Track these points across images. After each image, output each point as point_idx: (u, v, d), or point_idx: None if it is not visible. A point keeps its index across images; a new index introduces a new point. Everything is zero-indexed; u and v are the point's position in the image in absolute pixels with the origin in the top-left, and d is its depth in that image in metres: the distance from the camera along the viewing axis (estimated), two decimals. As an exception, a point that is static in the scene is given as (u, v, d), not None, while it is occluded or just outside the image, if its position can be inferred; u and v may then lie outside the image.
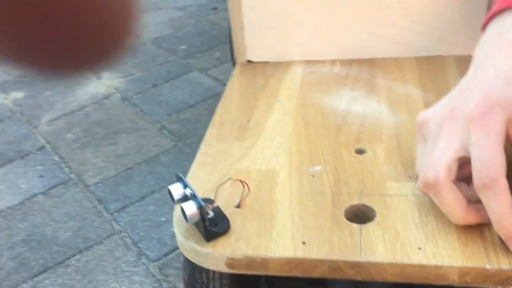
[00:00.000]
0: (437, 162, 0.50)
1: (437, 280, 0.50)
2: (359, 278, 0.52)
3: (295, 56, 0.92)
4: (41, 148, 1.29)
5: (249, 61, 0.93)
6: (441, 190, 0.50)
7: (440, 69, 0.83)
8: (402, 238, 0.52)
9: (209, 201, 0.57)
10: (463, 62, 0.84)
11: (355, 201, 0.58)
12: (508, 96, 0.48)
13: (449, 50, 0.87)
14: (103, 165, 1.18)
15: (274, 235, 0.55)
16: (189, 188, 0.54)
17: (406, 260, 0.50)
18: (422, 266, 0.50)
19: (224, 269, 0.54)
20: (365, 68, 0.86)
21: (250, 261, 0.53)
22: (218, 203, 0.59)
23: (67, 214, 1.04)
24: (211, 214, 0.56)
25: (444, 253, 0.50)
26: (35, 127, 1.39)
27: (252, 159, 0.67)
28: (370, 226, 0.54)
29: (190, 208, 0.52)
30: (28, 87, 1.60)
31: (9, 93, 1.57)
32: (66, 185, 1.13)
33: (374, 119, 0.72)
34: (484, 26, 0.57)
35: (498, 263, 0.48)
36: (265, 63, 0.93)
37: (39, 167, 1.21)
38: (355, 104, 0.76)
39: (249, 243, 0.54)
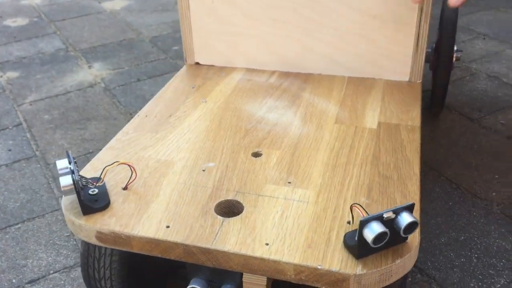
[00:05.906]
0: None
1: (276, 274, 0.55)
2: (210, 264, 0.57)
3: (239, 63, 0.97)
4: (18, 125, 1.37)
5: (197, 63, 0.99)
6: None
7: (364, 91, 0.87)
8: (256, 234, 0.57)
9: (96, 179, 0.63)
10: (390, 87, 0.88)
11: (230, 197, 0.63)
12: None
13: (380, 73, 0.91)
14: (67, 146, 1.25)
15: (144, 217, 0.60)
16: (72, 164, 0.59)
17: (249, 253, 0.54)
18: (262, 260, 0.54)
19: (94, 241, 0.60)
20: (298, 82, 0.91)
21: (116, 237, 0.58)
22: (108, 183, 0.65)
23: (21, 187, 1.11)
24: (94, 190, 0.62)
25: (287, 251, 0.54)
26: (19, 105, 1.47)
27: (156, 149, 0.72)
28: (233, 220, 0.59)
29: (66, 180, 0.57)
30: (24, 68, 1.68)
31: (6, 72, 1.66)
32: (29, 161, 1.20)
33: (282, 128, 0.76)
34: None
35: (330, 265, 0.53)
36: (211, 66, 0.98)
37: (10, 142, 1.29)
38: (273, 112, 0.81)
39: (120, 221, 0.59)
